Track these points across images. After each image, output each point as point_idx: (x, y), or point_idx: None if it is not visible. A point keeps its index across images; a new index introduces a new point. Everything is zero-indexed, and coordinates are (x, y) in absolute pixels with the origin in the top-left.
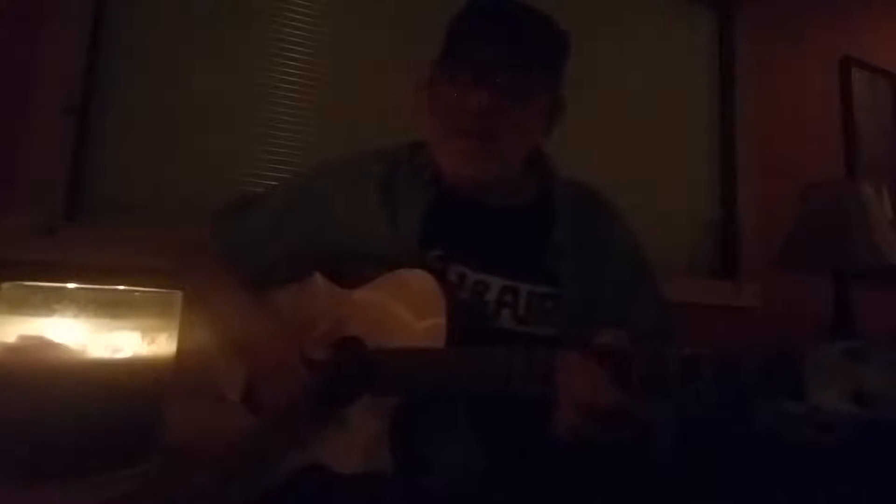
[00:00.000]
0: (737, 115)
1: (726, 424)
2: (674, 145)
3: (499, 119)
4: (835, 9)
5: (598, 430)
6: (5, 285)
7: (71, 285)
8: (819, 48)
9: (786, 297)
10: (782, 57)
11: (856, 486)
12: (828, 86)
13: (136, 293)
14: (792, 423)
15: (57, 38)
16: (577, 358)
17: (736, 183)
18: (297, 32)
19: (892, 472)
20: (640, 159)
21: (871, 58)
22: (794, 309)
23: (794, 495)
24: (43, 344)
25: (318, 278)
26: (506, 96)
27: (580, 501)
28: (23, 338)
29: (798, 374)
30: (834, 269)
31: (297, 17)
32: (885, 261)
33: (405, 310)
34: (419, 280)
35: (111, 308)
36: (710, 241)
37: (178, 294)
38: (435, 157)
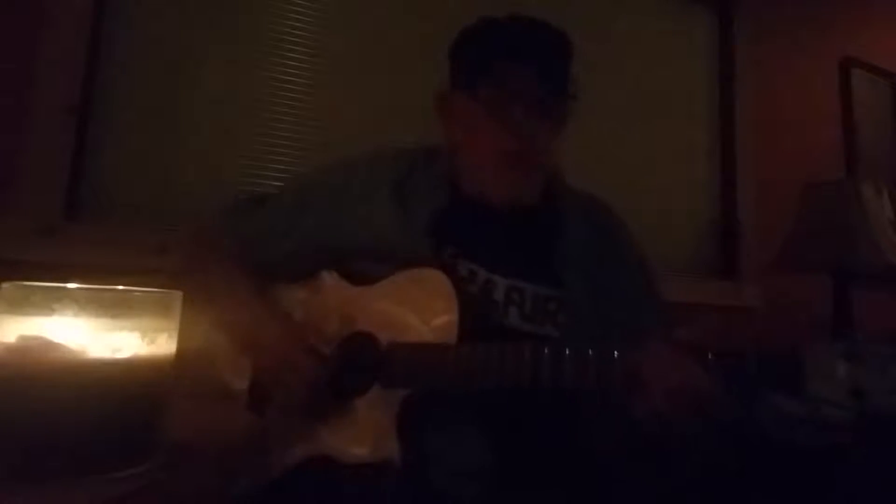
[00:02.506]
0: (737, 116)
1: (725, 425)
2: (674, 145)
3: (546, 144)
4: (835, 9)
5: (685, 414)
6: (5, 285)
7: (71, 285)
8: (819, 48)
9: (786, 297)
10: (782, 57)
11: (856, 486)
12: (828, 86)
13: (136, 293)
14: (792, 424)
15: (57, 38)
16: (667, 348)
17: (736, 183)
18: (297, 32)
19: (892, 472)
20: (640, 159)
21: (871, 58)
22: (794, 309)
23: (793, 495)
24: (43, 344)
25: (329, 276)
26: (552, 120)
27: (586, 500)
28: (23, 338)
29: (799, 369)
30: (834, 269)
31: (297, 17)
32: (885, 261)
33: (416, 308)
34: (430, 278)
35: (111, 308)
36: (710, 241)
37: (178, 294)
38: (474, 178)
